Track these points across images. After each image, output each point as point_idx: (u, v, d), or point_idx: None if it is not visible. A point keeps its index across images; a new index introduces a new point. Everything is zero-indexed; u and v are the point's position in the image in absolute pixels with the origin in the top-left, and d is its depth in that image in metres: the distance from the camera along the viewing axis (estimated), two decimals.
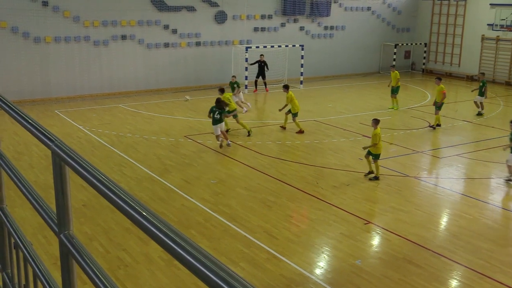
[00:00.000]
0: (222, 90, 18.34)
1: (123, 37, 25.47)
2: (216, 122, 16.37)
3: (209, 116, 16.70)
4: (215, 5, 27.60)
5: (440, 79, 20.24)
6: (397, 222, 11.43)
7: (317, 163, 15.48)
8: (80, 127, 19.28)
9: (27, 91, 23.29)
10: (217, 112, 16.35)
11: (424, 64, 34.66)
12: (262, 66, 26.42)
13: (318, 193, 13.00)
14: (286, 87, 19.14)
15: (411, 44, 34.67)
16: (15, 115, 2.79)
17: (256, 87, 26.82)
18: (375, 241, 10.86)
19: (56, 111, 21.95)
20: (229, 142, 16.80)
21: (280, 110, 19.04)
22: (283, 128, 19.15)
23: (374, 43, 33.68)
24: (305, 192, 13.05)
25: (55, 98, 23.98)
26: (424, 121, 20.72)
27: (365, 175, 14.14)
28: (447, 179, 14.48)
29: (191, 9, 26.96)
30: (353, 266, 9.50)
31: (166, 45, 26.67)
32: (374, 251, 10.39)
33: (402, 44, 34.06)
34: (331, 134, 18.65)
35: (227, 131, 17.64)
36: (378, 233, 11.05)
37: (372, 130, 14.12)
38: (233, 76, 22.43)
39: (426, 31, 34.44)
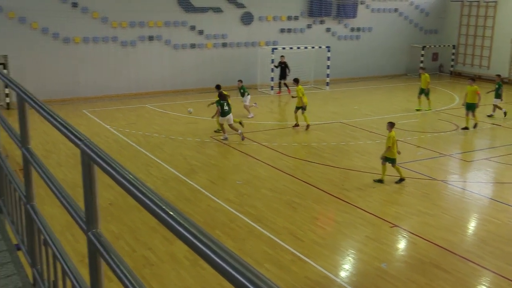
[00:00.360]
0: (218, 87, 19.09)
1: (150, 38, 25.70)
2: (226, 114, 17.40)
3: (217, 110, 17.60)
4: (241, 6, 27.66)
5: (473, 79, 19.99)
6: (424, 225, 11.30)
7: (343, 165, 15.39)
8: (108, 126, 19.50)
9: (56, 90, 23.65)
10: (225, 104, 17.39)
11: (452, 66, 34.20)
12: (283, 67, 26.29)
13: (344, 195, 12.92)
14: (296, 81, 19.90)
15: (439, 46, 34.24)
16: (46, 114, 2.83)
17: (279, 89, 26.75)
18: (401, 244, 10.74)
19: (84, 110, 22.25)
20: (240, 131, 17.70)
21: (293, 97, 20.22)
22: (297, 125, 19.44)
23: (401, 45, 33.37)
24: (330, 194, 12.99)
25: (83, 98, 24.30)
26: (452, 124, 20.44)
27: (374, 181, 13.88)
28: (475, 183, 14.26)
29: (217, 10, 27.08)
30: (379, 269, 9.42)
31: (193, 46, 26.82)
32: (400, 254, 10.29)
33: (430, 46, 33.67)
34: (357, 136, 18.52)
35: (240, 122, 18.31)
36: (404, 236, 10.93)
37: (387, 133, 13.98)
38: (239, 81, 22.02)
39: (454, 32, 33.97)
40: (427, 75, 22.87)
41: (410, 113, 22.44)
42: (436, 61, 35.01)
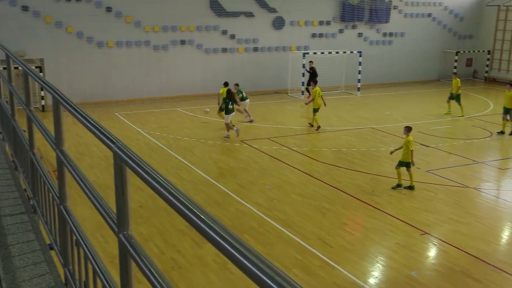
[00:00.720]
0: (226, 84, 19.97)
1: (182, 42, 25.93)
2: (229, 112, 18.27)
3: (222, 107, 18.84)
4: (273, 11, 27.71)
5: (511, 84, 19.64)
6: (456, 234, 11.11)
7: (373, 171, 15.25)
8: (139, 129, 19.73)
9: (89, 93, 24.05)
10: (230, 103, 18.25)
11: (487, 72, 33.62)
12: (311, 73, 26.06)
13: (374, 201, 12.81)
14: (315, 82, 20.76)
15: (474, 51, 33.71)
16: (80, 117, 2.88)
17: (309, 94, 26.50)
18: (432, 252, 10.58)
19: (116, 113, 22.55)
20: (236, 129, 18.56)
21: (306, 104, 21.12)
22: (312, 125, 20.05)
23: (434, 50, 32.96)
24: (360, 200, 12.88)
25: (116, 101, 24.64)
26: (486, 131, 20.08)
27: (393, 188, 13.70)
28: (510, 191, 13.97)
29: (249, 14, 27.17)
30: (409, 277, 9.29)
31: (224, 50, 26.96)
32: (431, 262, 10.13)
33: (464, 52, 33.17)
34: (388, 142, 18.34)
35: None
36: (435, 244, 10.76)
37: (405, 137, 13.85)
38: (235, 84, 21.31)
39: (490, 37, 33.40)
40: (458, 79, 22.66)
41: (442, 119, 22.13)
42: (470, 67, 34.46)
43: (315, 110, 19.64)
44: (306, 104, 20.99)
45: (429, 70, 33.15)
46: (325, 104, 19.98)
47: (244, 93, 21.09)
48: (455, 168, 15.62)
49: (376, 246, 10.59)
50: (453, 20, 33.30)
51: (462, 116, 22.50)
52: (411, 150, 13.51)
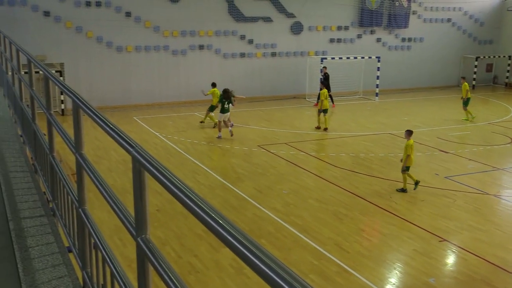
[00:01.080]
0: (214, 84, 21.30)
1: (201, 47, 26.05)
2: (225, 111, 18.82)
3: (216, 106, 19.87)
4: (291, 16, 27.73)
5: None
6: (475, 241, 10.98)
7: (391, 177, 15.15)
8: (157, 134, 19.84)
9: (108, 97, 24.26)
10: (226, 102, 18.75)
11: (507, 77, 33.26)
12: (324, 78, 25.73)
13: (391, 207, 12.72)
14: (323, 84, 21.85)
15: (494, 56, 33.37)
16: (99, 121, 2.90)
17: (332, 103, 26.13)
18: (450, 259, 10.47)
19: (134, 117, 22.71)
20: (230, 129, 19.10)
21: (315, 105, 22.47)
22: (318, 128, 20.62)
23: (453, 56, 32.70)
24: (377, 206, 12.80)
25: (134, 105, 24.82)
26: (506, 137, 19.85)
27: (397, 190, 13.80)
28: None
29: (267, 19, 27.22)
30: (426, 284, 9.20)
31: (242, 55, 27.03)
32: (449, 270, 10.03)
33: (484, 57, 32.85)
34: None
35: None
36: (454, 251, 10.65)
37: (405, 141, 13.93)
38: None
39: (510, 43, 33.06)
40: (466, 83, 22.68)
41: (461, 125, 21.92)
42: (490, 72, 34.13)
43: (325, 112, 20.34)
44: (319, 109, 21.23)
45: (448, 76, 32.89)
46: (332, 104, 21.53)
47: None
48: (475, 174, 15.45)
49: (393, 253, 10.51)
50: (473, 25, 33.02)
51: (467, 120, 22.50)
52: (408, 155, 13.56)
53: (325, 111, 20.25)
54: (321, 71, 26.38)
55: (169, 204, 12.19)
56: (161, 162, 2.17)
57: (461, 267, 10.03)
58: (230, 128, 18.88)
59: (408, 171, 13.66)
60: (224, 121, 18.99)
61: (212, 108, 20.91)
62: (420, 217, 12.17)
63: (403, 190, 13.69)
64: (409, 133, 13.95)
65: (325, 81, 25.52)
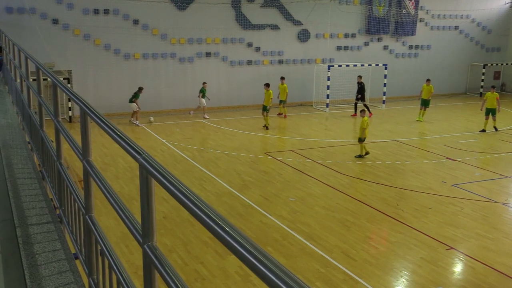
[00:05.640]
0: (267, 85, 22.60)
1: (208, 54, 26.13)
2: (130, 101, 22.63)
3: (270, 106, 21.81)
4: (298, 23, 27.77)
5: None
6: (483, 249, 10.91)
7: (398, 184, 15.10)
8: (164, 141, 19.88)
9: (116, 104, 24.34)
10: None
11: None
12: (360, 88, 25.42)
13: (399, 215, 12.67)
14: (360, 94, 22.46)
15: (501, 64, 33.27)
16: (107, 128, 2.91)
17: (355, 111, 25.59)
18: (458, 268, 10.41)
19: (141, 125, 22.76)
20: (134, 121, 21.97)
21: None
22: (361, 156, 19.53)
23: (461, 63, 32.64)
24: (385, 214, 12.76)
25: (141, 112, 24.87)
26: None
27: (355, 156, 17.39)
28: None
29: (274, 27, 27.28)
30: None
31: (249, 62, 27.08)
32: (457, 278, 9.96)
33: (492, 64, 32.77)
34: (413, 156, 18.17)
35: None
36: (461, 260, 10.59)
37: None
38: (204, 83, 24.68)
39: None
40: (431, 86, 23.90)
41: (469, 132, 21.85)
42: (498, 80, 34.02)
43: (282, 102, 23.24)
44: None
45: (455, 83, 32.82)
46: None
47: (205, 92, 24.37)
48: (482, 182, 15.38)
49: (400, 261, 10.46)
50: (481, 32, 32.96)
51: (421, 120, 24.01)
52: (364, 129, 17.19)
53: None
54: (328, 79, 26.36)
55: (175, 211, 12.20)
56: (168, 169, 2.18)
57: (468, 276, 9.96)
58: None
59: (362, 142, 17.43)
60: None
61: (265, 108, 22.32)
62: (427, 225, 12.12)
63: (360, 156, 17.50)
64: (363, 112, 17.96)
65: (360, 91, 25.32)
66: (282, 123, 23.63)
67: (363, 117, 17.60)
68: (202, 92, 24.29)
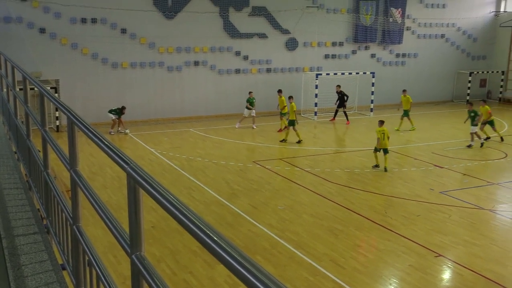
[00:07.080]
0: (291, 98, 21.88)
1: (196, 63, 26.14)
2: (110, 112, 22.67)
3: (296, 120, 21.21)
4: (286, 32, 27.89)
5: None
6: (471, 256, 10.97)
7: (387, 192, 15.16)
8: (152, 150, 19.81)
9: (104, 114, 24.22)
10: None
11: (501, 93, 33.48)
12: (341, 96, 26.05)
13: (387, 223, 12.70)
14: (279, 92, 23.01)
15: (487, 72, 33.61)
16: (94, 137, 2.90)
17: (334, 117, 26.65)
18: (446, 275, 10.45)
19: (130, 134, 22.68)
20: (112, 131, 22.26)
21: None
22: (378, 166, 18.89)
23: (447, 71, 32.93)
24: (373, 222, 12.78)
25: (129, 121, 24.78)
26: (501, 152, 19.92)
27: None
28: None
29: (262, 36, 27.37)
30: None
31: (237, 71, 27.13)
32: (445, 285, 10.00)
33: (478, 72, 33.08)
34: (401, 163, 18.25)
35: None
36: (450, 267, 10.63)
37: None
38: (250, 92, 24.75)
39: (504, 58, 33.34)
40: (408, 96, 24.04)
41: (456, 140, 21.99)
42: (483, 87, 34.34)
43: (385, 151, 17.43)
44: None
45: (442, 91, 33.08)
46: (297, 122, 21.42)
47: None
48: (470, 189, 15.48)
49: (389, 268, 10.48)
50: (467, 41, 33.29)
51: (413, 129, 24.01)
52: (378, 138, 17.19)
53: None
54: (316, 87, 26.46)
55: (164, 221, 12.14)
56: (156, 178, 2.17)
57: (457, 283, 10.00)
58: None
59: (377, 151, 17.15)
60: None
61: (291, 123, 21.36)
62: (416, 232, 12.16)
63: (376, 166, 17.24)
64: (381, 122, 17.41)
65: (341, 100, 25.85)
66: (271, 132, 23.64)
67: (380, 126, 17.23)
68: (249, 101, 24.11)
